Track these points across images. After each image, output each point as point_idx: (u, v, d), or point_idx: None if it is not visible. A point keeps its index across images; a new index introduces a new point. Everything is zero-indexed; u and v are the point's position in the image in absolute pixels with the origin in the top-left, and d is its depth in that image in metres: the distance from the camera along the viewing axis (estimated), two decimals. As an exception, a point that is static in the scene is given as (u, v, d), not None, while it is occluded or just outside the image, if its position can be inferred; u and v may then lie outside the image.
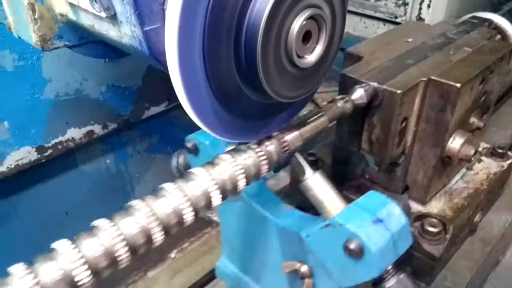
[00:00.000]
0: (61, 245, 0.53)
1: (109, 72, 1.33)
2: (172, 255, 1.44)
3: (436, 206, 1.08)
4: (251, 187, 0.87)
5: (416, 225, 1.01)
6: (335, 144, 1.16)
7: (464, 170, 1.19)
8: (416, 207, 1.07)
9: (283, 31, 0.61)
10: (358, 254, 0.69)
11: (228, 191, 0.66)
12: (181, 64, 0.57)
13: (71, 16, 0.84)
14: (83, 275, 0.52)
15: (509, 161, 1.23)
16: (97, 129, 1.39)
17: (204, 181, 0.63)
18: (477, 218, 1.14)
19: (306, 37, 0.65)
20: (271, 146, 0.73)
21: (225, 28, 0.59)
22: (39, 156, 1.28)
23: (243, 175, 0.67)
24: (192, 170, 0.65)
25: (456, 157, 1.00)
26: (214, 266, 1.19)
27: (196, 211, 0.62)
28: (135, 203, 0.58)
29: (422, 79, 0.93)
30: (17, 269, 0.50)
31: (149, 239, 0.56)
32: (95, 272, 0.53)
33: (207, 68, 0.60)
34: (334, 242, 0.72)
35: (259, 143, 0.73)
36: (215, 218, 1.54)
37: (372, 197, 0.76)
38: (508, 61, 1.13)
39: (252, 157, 0.70)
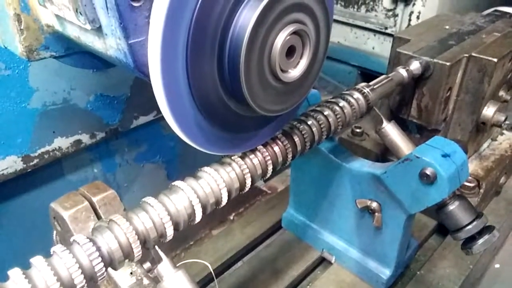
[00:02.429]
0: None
1: (97, 82, 1.32)
2: (231, 217, 1.65)
3: (469, 167, 1.24)
4: (326, 144, 1.13)
5: None
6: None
7: (489, 140, 1.43)
8: None
9: (266, 46, 0.62)
10: (432, 179, 0.86)
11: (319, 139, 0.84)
12: (164, 77, 0.57)
13: (58, 27, 0.84)
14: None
15: None
16: (85, 138, 1.37)
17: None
18: (502, 180, 1.37)
19: (290, 51, 0.66)
20: (360, 100, 0.95)
21: (209, 41, 0.59)
22: (24, 165, 1.26)
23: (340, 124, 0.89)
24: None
25: (489, 123, 1.21)
26: (281, 217, 1.36)
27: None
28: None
29: (465, 55, 1.14)
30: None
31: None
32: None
33: (190, 81, 0.60)
34: (411, 173, 0.90)
35: (349, 99, 0.94)
36: (264, 188, 1.87)
37: (438, 139, 0.94)
38: None
39: (347, 108, 0.92)
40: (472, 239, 0.96)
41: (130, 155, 1.59)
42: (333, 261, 1.24)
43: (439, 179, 0.86)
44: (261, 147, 0.77)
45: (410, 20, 2.49)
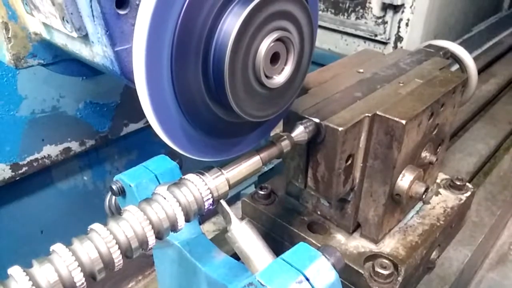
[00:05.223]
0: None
1: (87, 89, 1.32)
2: None
3: (389, 244, 1.03)
4: (183, 232, 0.86)
5: (367, 266, 0.97)
6: (286, 178, 1.10)
7: (420, 203, 1.14)
8: (368, 246, 1.03)
9: (251, 52, 0.63)
10: None
11: (134, 249, 0.61)
12: (149, 84, 0.58)
13: (45, 35, 0.84)
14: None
15: (467, 194, 1.18)
16: (74, 146, 1.37)
17: (105, 239, 0.58)
18: (434, 255, 1.08)
19: (275, 58, 0.67)
20: (190, 196, 0.66)
21: (193, 48, 0.60)
22: (13, 173, 1.26)
23: (151, 232, 0.62)
24: (93, 226, 0.60)
25: (406, 195, 0.95)
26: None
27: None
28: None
29: (367, 114, 0.89)
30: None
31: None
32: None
33: (175, 88, 0.61)
34: None
35: (177, 190, 0.66)
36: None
37: (300, 250, 0.70)
38: (462, 92, 1.08)
39: (166, 208, 0.64)
40: None
41: (120, 162, 1.59)
42: None
43: None
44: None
45: (399, 27, 2.52)
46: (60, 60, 0.92)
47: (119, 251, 0.57)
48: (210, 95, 0.65)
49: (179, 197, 0.65)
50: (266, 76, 0.66)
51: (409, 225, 1.09)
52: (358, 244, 1.05)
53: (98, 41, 0.68)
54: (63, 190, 1.46)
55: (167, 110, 0.62)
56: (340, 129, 0.84)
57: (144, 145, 1.62)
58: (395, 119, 0.87)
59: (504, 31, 2.76)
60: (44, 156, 1.31)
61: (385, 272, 0.93)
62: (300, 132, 0.84)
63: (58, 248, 0.55)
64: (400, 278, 0.95)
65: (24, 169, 1.28)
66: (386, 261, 0.97)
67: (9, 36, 0.84)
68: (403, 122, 0.86)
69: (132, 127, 1.51)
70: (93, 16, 0.65)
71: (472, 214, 1.29)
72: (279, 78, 0.69)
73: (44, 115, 1.27)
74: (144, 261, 1.36)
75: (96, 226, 0.59)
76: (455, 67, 1.30)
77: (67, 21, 0.70)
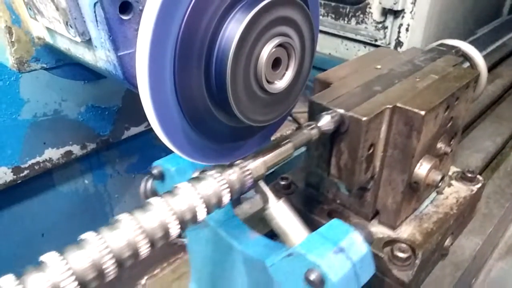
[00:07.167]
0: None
1: (89, 93, 1.33)
2: (143, 281, 1.32)
3: (406, 230, 1.08)
4: (217, 214, 0.90)
5: (386, 251, 1.01)
6: (307, 169, 1.17)
7: (434, 194, 1.20)
8: (386, 232, 1.07)
9: (252, 58, 0.63)
10: (318, 285, 0.67)
11: (187, 221, 0.65)
12: (151, 89, 0.59)
13: (48, 39, 0.85)
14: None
15: (478, 185, 1.24)
16: (76, 149, 1.38)
17: (162, 211, 0.62)
18: (447, 242, 1.14)
19: (276, 63, 0.68)
20: (233, 175, 0.72)
21: (196, 53, 0.61)
22: (15, 177, 1.26)
23: (203, 205, 0.66)
24: (150, 200, 0.63)
25: (423, 183, 1.01)
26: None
27: (152, 242, 0.61)
28: (88, 235, 0.57)
29: (388, 106, 0.95)
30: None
31: (100, 274, 0.55)
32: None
33: (178, 93, 0.61)
34: (296, 272, 0.71)
35: (221, 171, 0.71)
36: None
37: (335, 226, 0.75)
38: (474, 88, 1.15)
39: (213, 186, 0.68)
40: None
41: (121, 166, 1.60)
42: None
43: (328, 284, 0.67)
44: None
45: (399, 32, 2.53)
46: (63, 64, 0.93)
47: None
48: (212, 100, 0.65)
49: (225, 175, 0.70)
50: (268, 81, 0.67)
51: (424, 214, 1.15)
52: (376, 230, 1.09)
53: (101, 46, 0.69)
54: (64, 193, 1.46)
55: (170, 114, 0.62)
56: (363, 119, 0.90)
57: (145, 149, 1.62)
58: (415, 110, 0.93)
59: (505, 35, 2.77)
60: (46, 159, 1.32)
61: (404, 255, 0.99)
62: (326, 121, 0.89)
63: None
64: (417, 261, 1.00)
65: (25, 172, 1.28)
66: (404, 246, 1.02)
67: (13, 40, 0.85)
68: (422, 113, 0.92)
69: (133, 130, 1.51)
70: (96, 21, 0.66)
71: (481, 207, 1.35)
72: (281, 83, 0.69)
73: (46, 119, 1.27)
74: (168, 251, 1.35)
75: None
76: (465, 65, 1.34)
77: (71, 26, 0.71)
